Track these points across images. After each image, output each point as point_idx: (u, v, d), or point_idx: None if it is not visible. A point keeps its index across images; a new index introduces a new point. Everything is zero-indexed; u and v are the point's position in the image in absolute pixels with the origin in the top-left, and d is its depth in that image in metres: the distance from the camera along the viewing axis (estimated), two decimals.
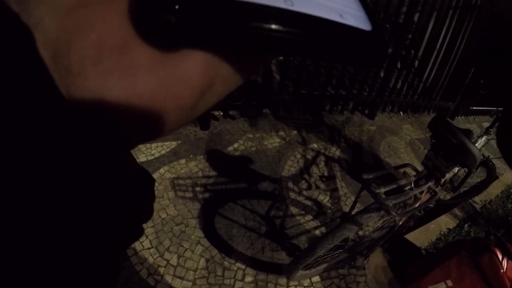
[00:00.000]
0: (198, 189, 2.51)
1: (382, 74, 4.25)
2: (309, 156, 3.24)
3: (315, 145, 3.42)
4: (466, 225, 3.07)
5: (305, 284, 2.14)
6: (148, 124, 0.18)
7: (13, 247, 0.16)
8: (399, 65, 4.37)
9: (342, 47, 0.18)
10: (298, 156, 3.18)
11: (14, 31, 0.13)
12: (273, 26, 0.15)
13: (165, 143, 2.80)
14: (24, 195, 0.15)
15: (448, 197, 3.32)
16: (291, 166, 3.03)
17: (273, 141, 3.25)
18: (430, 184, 1.76)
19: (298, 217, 2.55)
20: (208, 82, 0.18)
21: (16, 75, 0.13)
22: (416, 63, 4.75)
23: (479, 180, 2.34)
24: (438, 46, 4.58)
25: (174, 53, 0.17)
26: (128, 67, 0.15)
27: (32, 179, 0.15)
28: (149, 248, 2.08)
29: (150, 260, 2.03)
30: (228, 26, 0.15)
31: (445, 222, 3.04)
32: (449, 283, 1.95)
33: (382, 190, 1.54)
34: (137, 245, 2.07)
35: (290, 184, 2.83)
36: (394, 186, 1.61)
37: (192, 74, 0.17)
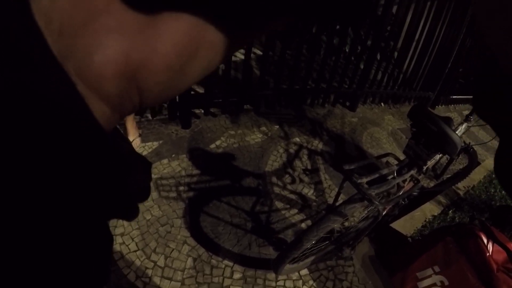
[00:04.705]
0: (182, 188, 2.49)
1: (362, 66, 4.28)
2: (292, 150, 3.25)
3: (297, 139, 3.43)
4: (450, 211, 3.12)
5: (294, 278, 2.14)
6: (138, 83, 0.18)
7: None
8: (378, 57, 4.41)
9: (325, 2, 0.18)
10: (281, 150, 3.19)
11: (12, 1, 0.15)
12: None
13: (147, 144, 2.77)
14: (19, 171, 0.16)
15: (432, 184, 3.36)
16: (274, 161, 3.03)
17: (255, 137, 3.25)
18: (412, 172, 1.77)
19: (283, 211, 2.55)
20: (194, 43, 0.19)
21: (14, 41, 0.14)
22: (396, 54, 4.80)
23: (461, 166, 2.37)
24: (417, 37, 4.64)
25: (160, 15, 0.17)
26: (114, 27, 0.17)
27: (34, 154, 0.16)
28: (135, 251, 2.05)
29: (137, 262, 2.00)
30: None
31: (430, 209, 3.08)
32: (436, 268, 1.97)
33: (364, 180, 1.55)
34: (123, 248, 2.05)
35: (274, 179, 2.83)
36: (377, 175, 1.62)
37: (177, 33, 0.18)
